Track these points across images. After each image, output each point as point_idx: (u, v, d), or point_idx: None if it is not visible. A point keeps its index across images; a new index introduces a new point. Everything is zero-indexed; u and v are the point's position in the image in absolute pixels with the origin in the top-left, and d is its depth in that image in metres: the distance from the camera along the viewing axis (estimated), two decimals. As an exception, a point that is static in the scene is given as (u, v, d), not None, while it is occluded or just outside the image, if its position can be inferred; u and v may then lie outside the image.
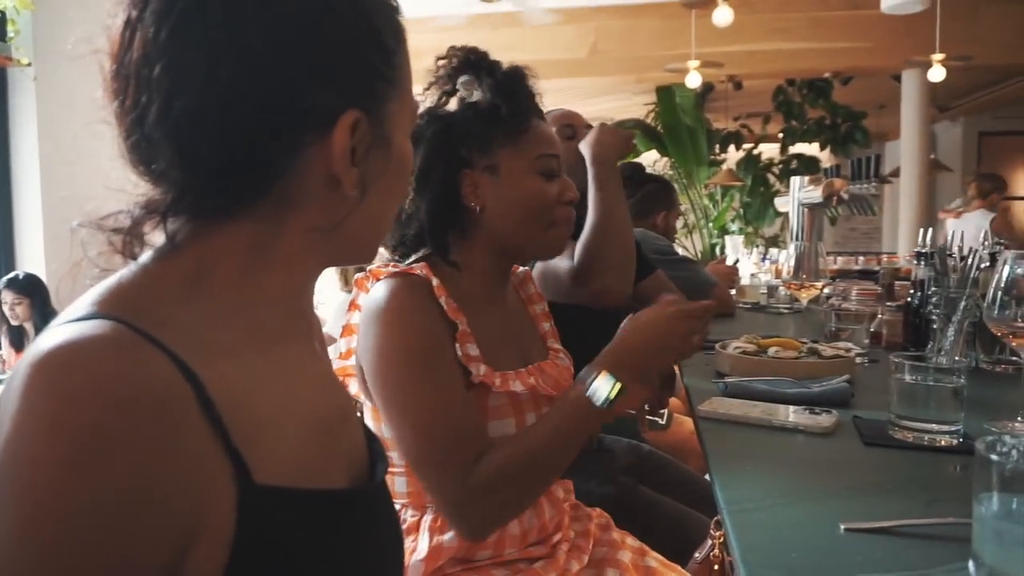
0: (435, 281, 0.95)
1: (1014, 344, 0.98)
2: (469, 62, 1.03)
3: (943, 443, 0.90)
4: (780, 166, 7.16)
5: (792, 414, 1.00)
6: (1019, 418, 0.99)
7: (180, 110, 0.45)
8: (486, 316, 1.01)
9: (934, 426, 0.91)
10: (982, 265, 1.39)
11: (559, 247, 1.08)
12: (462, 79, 1.02)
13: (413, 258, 1.03)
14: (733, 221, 7.31)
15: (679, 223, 7.66)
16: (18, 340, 3.29)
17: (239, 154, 0.46)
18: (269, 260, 0.50)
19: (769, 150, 7.48)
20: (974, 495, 0.56)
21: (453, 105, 1.02)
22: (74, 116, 4.04)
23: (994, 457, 0.54)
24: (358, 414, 0.66)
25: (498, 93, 1.00)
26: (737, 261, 3.31)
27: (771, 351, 1.27)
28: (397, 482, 0.96)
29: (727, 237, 4.84)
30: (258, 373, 0.49)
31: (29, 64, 3.55)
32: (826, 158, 7.32)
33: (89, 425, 0.38)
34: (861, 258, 4.49)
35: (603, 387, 0.88)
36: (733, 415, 1.01)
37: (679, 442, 2.11)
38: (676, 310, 0.94)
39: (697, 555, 1.27)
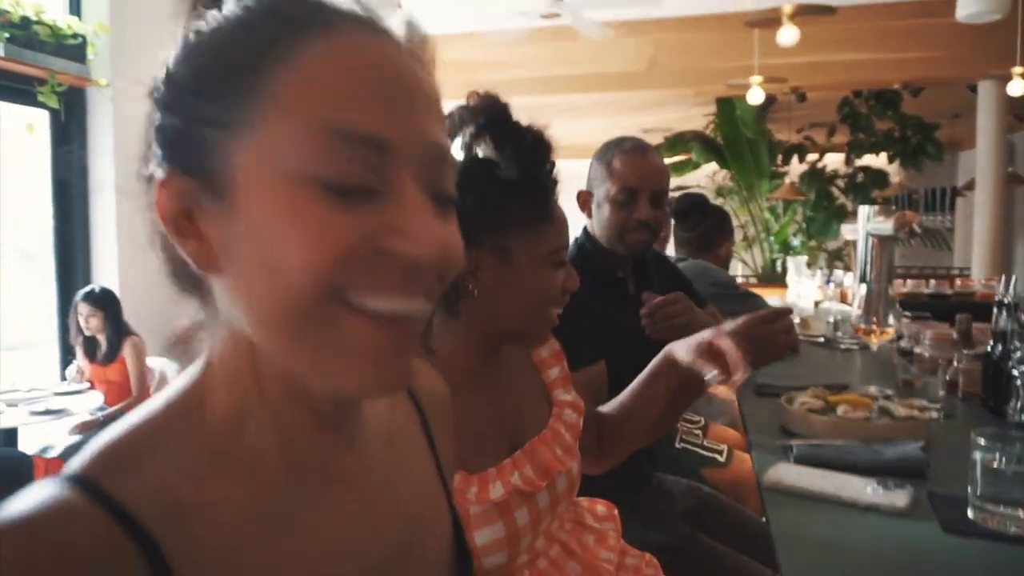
0: None
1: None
2: (490, 118, 0.88)
3: (1030, 532, 0.85)
4: (845, 179, 6.94)
5: (865, 490, 0.96)
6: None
7: None
8: (471, 401, 0.90)
9: (1021, 512, 0.86)
10: (1070, 320, 1.32)
11: (546, 333, 0.97)
12: (470, 131, 0.88)
13: None
14: (795, 235, 7.12)
15: (739, 236, 7.52)
16: (91, 350, 3.44)
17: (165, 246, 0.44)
18: (244, 371, 0.44)
19: (834, 160, 7.26)
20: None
21: (458, 160, 0.89)
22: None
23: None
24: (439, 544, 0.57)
25: (525, 170, 0.87)
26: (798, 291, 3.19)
27: (840, 410, 1.22)
28: None
29: (790, 258, 4.70)
30: (241, 531, 0.43)
31: (107, 85, 3.72)
32: (894, 171, 7.06)
33: None
34: (932, 281, 4.29)
35: None
36: (800, 488, 0.98)
37: (739, 480, 2.05)
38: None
39: (758, 616, 1.23)
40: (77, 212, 3.87)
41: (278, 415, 0.45)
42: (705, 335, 1.04)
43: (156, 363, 3.39)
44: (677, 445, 2.07)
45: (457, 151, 0.88)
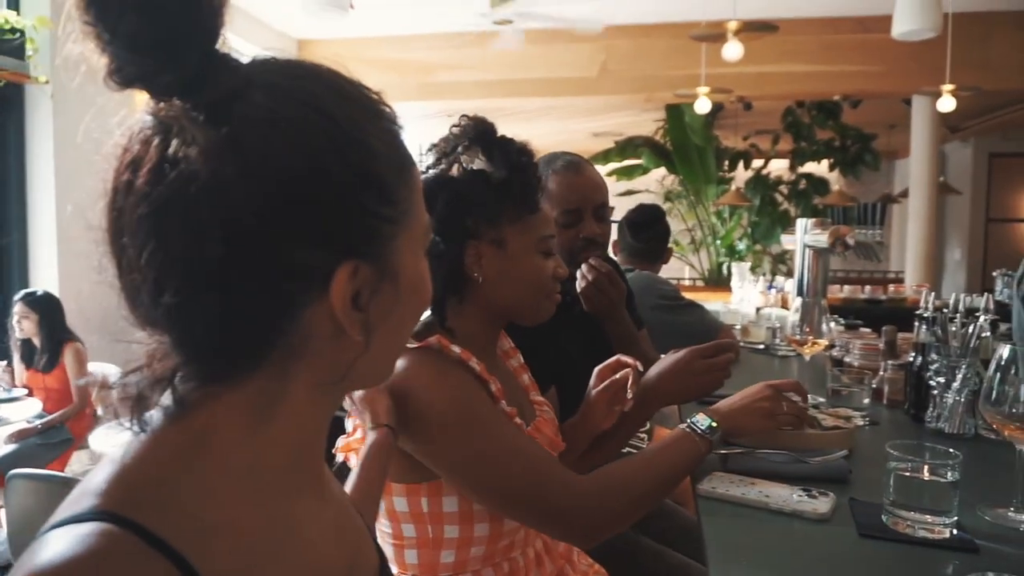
0: (457, 349, 0.98)
1: (1006, 435, 1.00)
2: (479, 134, 1.03)
3: (937, 535, 0.92)
4: (789, 186, 7.18)
5: (790, 497, 1.02)
6: (1011, 508, 1.00)
7: (171, 295, 0.44)
8: (494, 373, 1.02)
9: (928, 517, 0.94)
10: (983, 334, 1.41)
11: (548, 315, 1.09)
12: (463, 145, 1.02)
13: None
14: (741, 239, 7.32)
15: (686, 239, 7.66)
16: (29, 356, 3.33)
17: (237, 327, 0.45)
18: (275, 415, 0.49)
19: (778, 167, 7.49)
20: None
21: (454, 172, 1.01)
22: (90, 134, 4.10)
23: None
24: (372, 541, 0.64)
25: (513, 172, 1.01)
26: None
27: (772, 420, 1.28)
28: (407, 554, 0.99)
29: (735, 264, 4.84)
30: (258, 548, 0.48)
31: (47, 82, 3.61)
32: (835, 179, 7.32)
33: None
34: (867, 287, 4.49)
35: (702, 420, 1.05)
36: (732, 496, 1.03)
37: (680, 490, 2.12)
38: (777, 387, 1.12)
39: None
40: (14, 212, 3.75)
41: (296, 437, 0.51)
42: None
43: (97, 368, 3.31)
44: (623, 449, 2.13)
45: (452, 167, 1.02)
